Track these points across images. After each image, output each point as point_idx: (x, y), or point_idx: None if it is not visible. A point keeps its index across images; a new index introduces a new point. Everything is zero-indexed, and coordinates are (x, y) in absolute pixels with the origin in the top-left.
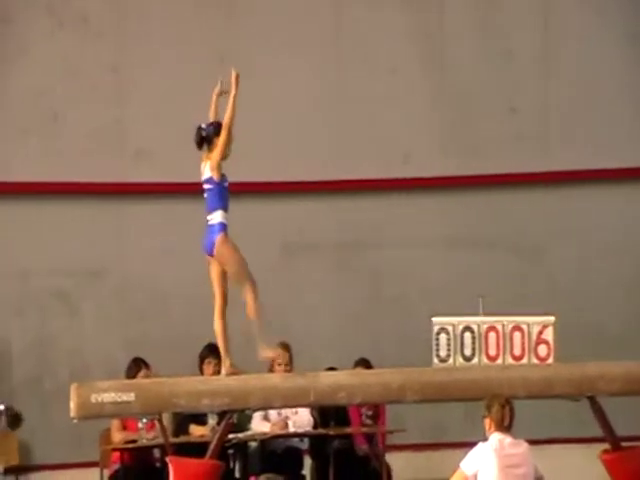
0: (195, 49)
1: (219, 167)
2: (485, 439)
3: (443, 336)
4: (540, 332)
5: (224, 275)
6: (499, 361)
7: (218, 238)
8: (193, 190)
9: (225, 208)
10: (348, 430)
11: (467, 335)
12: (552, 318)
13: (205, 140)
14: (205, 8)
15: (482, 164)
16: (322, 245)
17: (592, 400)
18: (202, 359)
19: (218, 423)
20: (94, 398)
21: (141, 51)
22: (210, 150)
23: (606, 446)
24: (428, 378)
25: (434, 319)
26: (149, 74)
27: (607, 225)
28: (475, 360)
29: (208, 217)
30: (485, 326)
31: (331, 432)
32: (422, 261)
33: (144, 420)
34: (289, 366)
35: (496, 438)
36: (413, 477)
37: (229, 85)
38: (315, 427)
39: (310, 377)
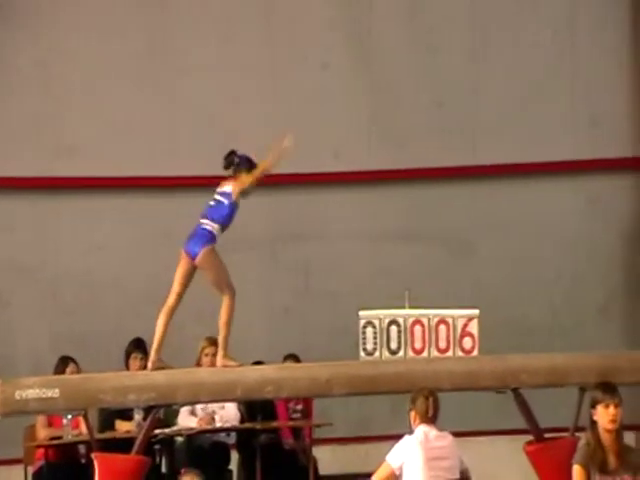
0: (125, 42)
1: (240, 193)
2: (411, 432)
3: (370, 329)
4: (465, 325)
5: (188, 277)
6: (425, 354)
7: (206, 248)
8: (124, 185)
9: (224, 226)
10: (275, 424)
11: (393, 328)
12: (476, 311)
13: (234, 166)
14: (136, 0)
15: (410, 158)
16: (252, 239)
17: (516, 392)
18: (128, 354)
19: (144, 418)
20: (18, 394)
21: (69, 44)
22: (234, 177)
23: (530, 437)
24: (355, 371)
25: (361, 313)
26: (78, 68)
27: (533, 219)
28: (401, 353)
29: (202, 221)
30: (411, 319)
31: (258, 426)
32: (351, 255)
33: (69, 416)
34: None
35: (421, 431)
36: (339, 470)
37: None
38: (242, 421)
39: (237, 371)
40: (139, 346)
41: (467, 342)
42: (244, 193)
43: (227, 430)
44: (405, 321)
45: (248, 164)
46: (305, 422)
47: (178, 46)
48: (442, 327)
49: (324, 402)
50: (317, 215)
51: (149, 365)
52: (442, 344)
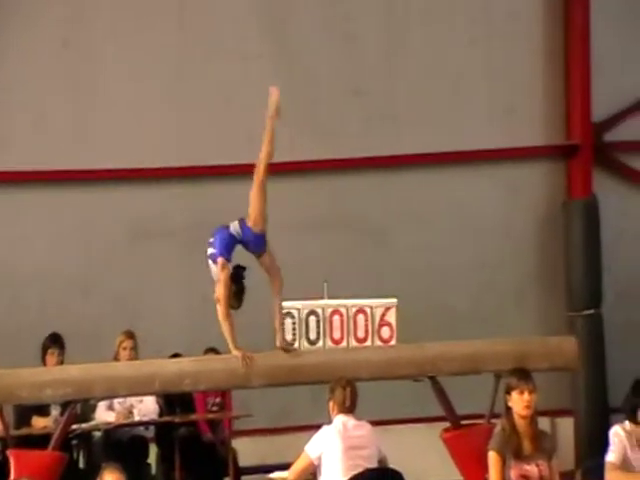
0: (38, 35)
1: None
2: (330, 422)
3: (288, 320)
4: (383, 314)
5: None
6: (343, 344)
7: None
8: (44, 178)
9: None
10: (193, 417)
11: (312, 319)
12: (394, 300)
13: None
14: None
15: (329, 148)
16: (171, 230)
17: (433, 380)
18: (45, 349)
19: (61, 414)
20: None
21: None
22: None
23: (447, 425)
24: (274, 362)
25: None
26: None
27: (451, 207)
28: (320, 344)
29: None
30: (329, 310)
31: (176, 419)
32: (270, 245)
33: None
34: (134, 351)
35: (340, 420)
36: (259, 462)
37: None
38: (161, 415)
39: (155, 364)
40: (56, 341)
41: (385, 331)
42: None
43: (145, 424)
44: (324, 311)
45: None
46: (224, 414)
47: (90, 37)
48: (360, 317)
49: (243, 393)
50: (235, 206)
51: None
52: (361, 334)
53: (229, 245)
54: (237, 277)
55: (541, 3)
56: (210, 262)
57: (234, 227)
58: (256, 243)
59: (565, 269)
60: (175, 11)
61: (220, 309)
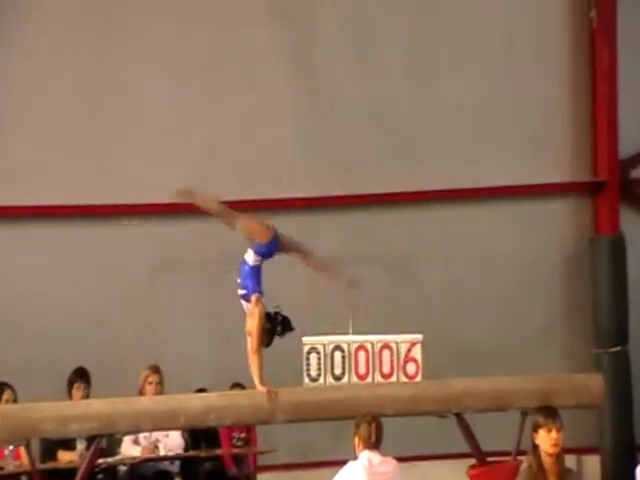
0: (55, 68)
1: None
2: (355, 458)
3: (314, 355)
4: (408, 350)
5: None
6: (369, 379)
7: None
8: (71, 213)
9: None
10: (218, 452)
11: (337, 354)
12: (420, 336)
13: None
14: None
15: (352, 183)
16: (193, 265)
17: (459, 417)
18: (71, 384)
19: (87, 448)
20: None
21: (7, 69)
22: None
23: (473, 461)
24: (299, 398)
25: (304, 339)
26: (18, 94)
27: (477, 243)
28: (345, 379)
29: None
30: (355, 345)
31: (202, 454)
32: (293, 280)
33: (11, 447)
34: (160, 385)
35: (365, 456)
36: None
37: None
38: (186, 449)
39: (180, 399)
40: (82, 375)
41: (411, 367)
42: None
43: (170, 459)
44: (349, 347)
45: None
46: (249, 449)
47: (112, 69)
48: (386, 352)
49: (268, 428)
50: None
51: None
52: (386, 369)
53: (256, 276)
54: (272, 320)
55: (567, 39)
56: (243, 302)
57: (249, 257)
58: (270, 248)
59: (592, 306)
60: (196, 43)
61: (251, 342)
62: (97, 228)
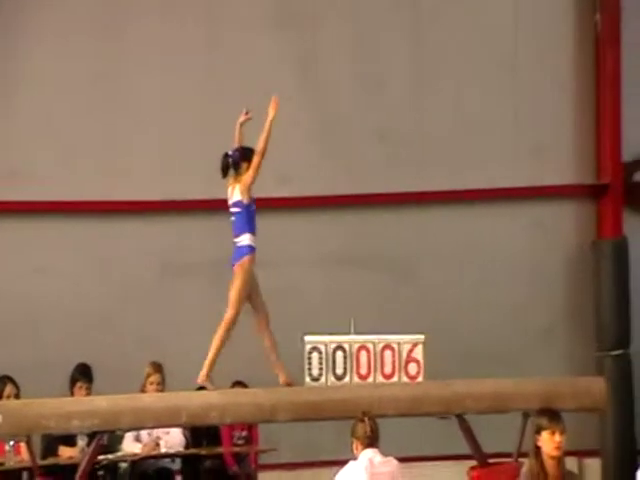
0: (66, 67)
1: (249, 190)
2: (356, 458)
3: (315, 355)
4: (410, 351)
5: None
6: (370, 380)
7: (244, 259)
8: (66, 209)
9: (253, 231)
10: (219, 450)
11: (339, 354)
12: (422, 337)
13: (232, 166)
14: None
15: (356, 184)
16: (198, 264)
17: (460, 418)
18: (73, 382)
19: (88, 444)
20: None
21: (17, 68)
22: (238, 174)
23: (474, 463)
24: (300, 397)
25: (306, 338)
26: (23, 92)
27: (478, 245)
28: (347, 379)
29: (235, 240)
30: (356, 345)
31: (203, 452)
32: (297, 280)
33: (11, 442)
34: (161, 385)
35: (366, 457)
36: None
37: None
38: (187, 447)
39: (182, 397)
40: (85, 373)
41: (412, 368)
42: (254, 181)
43: (171, 456)
44: (351, 347)
45: (242, 153)
46: (250, 448)
47: (124, 75)
48: (387, 353)
49: (270, 427)
50: (263, 240)
51: (200, 379)
52: (387, 370)
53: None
54: None
55: (572, 42)
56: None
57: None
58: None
59: (594, 309)
60: (206, 50)
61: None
62: (103, 226)
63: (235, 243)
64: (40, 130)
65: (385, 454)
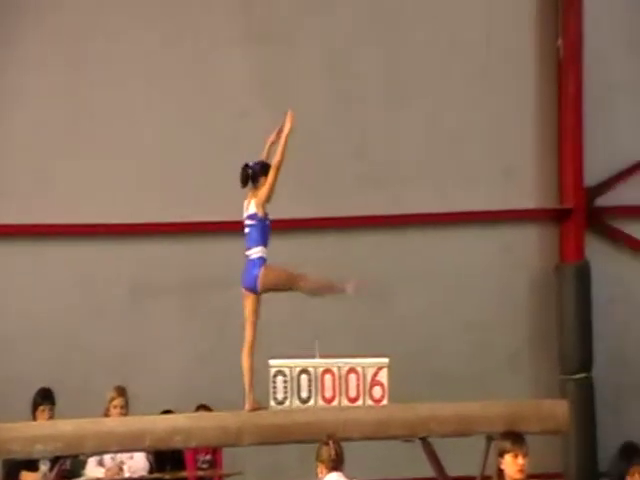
0: (41, 86)
1: (264, 205)
2: None
3: (280, 378)
4: (375, 374)
5: (257, 311)
6: (335, 403)
7: (262, 269)
8: (41, 232)
9: (266, 244)
10: (183, 474)
11: (304, 377)
12: (386, 360)
13: (251, 178)
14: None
15: (327, 207)
16: (169, 287)
17: (424, 441)
18: (35, 406)
19: (51, 469)
20: None
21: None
22: (255, 188)
23: None
24: (265, 421)
25: (271, 361)
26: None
27: (445, 268)
28: (312, 402)
29: (248, 252)
30: (321, 369)
31: (166, 476)
32: (263, 303)
33: None
34: (124, 409)
35: (332, 479)
36: None
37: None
38: (151, 471)
39: (146, 421)
40: (47, 397)
41: (377, 391)
42: (271, 196)
43: None
44: (315, 370)
45: (262, 167)
46: (214, 472)
47: (94, 90)
48: (352, 376)
49: (235, 450)
50: (233, 263)
51: (246, 407)
52: (352, 393)
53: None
54: None
55: (535, 68)
56: None
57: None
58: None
59: (557, 332)
60: (178, 68)
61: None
62: (74, 248)
63: (247, 256)
64: (15, 152)
65: (350, 477)
